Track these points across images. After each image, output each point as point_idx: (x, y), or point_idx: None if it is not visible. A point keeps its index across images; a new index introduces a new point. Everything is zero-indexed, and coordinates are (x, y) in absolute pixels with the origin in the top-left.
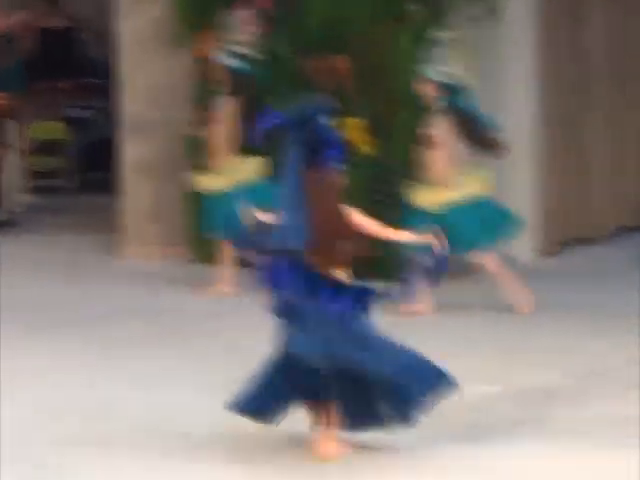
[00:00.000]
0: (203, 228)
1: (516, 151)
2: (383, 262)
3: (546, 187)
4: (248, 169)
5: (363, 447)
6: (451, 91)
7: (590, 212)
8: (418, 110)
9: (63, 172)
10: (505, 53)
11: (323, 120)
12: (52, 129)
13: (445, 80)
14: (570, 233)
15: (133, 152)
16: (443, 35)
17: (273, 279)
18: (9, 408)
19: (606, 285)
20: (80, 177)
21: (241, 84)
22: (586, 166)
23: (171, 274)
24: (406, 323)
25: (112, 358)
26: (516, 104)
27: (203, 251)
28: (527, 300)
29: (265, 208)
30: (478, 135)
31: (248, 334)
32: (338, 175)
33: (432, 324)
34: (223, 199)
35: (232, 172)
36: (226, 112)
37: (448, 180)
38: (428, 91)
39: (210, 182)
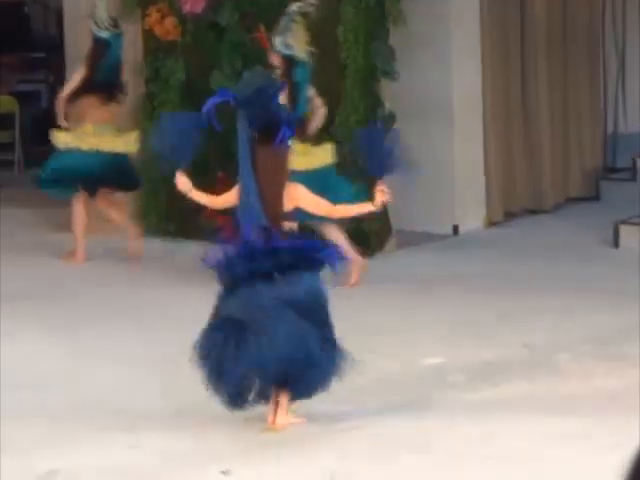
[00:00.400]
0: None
1: (461, 122)
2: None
3: (492, 158)
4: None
5: (310, 419)
6: (292, 64)
7: (536, 183)
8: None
9: (11, 146)
10: (451, 22)
11: (275, 98)
12: (0, 103)
13: (287, 52)
14: (516, 204)
15: None
16: (292, 7)
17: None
18: None
19: (549, 254)
20: (28, 150)
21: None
22: (533, 137)
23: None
24: (346, 295)
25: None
26: (461, 78)
27: (151, 226)
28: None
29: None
30: None
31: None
32: (288, 152)
33: (376, 291)
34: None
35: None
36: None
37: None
38: (276, 62)
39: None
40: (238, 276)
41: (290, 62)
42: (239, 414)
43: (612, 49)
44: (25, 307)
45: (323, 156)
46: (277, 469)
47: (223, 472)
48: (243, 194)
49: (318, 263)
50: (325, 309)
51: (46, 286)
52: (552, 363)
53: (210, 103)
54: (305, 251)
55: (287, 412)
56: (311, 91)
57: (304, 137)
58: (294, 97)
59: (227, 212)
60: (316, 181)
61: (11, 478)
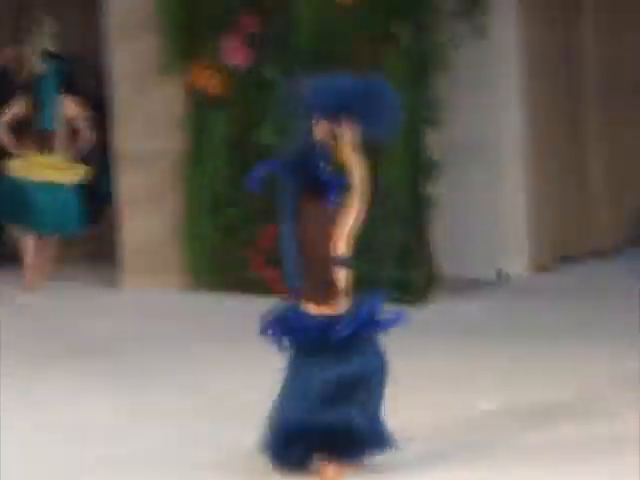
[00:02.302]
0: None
1: (510, 166)
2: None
3: (541, 202)
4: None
5: (362, 469)
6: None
7: (588, 227)
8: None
9: None
10: (493, 69)
11: (321, 163)
12: None
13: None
14: (567, 249)
15: (128, 183)
16: None
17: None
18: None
19: (604, 303)
20: None
21: None
22: (584, 180)
23: (168, 302)
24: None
25: (115, 386)
26: (506, 119)
27: (199, 279)
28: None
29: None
30: None
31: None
32: (337, 212)
33: (429, 341)
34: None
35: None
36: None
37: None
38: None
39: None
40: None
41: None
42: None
43: None
44: (78, 363)
45: (72, 174)
46: None
47: None
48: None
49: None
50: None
51: (99, 342)
52: (604, 409)
53: (257, 172)
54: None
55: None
56: None
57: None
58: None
59: (273, 264)
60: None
61: None
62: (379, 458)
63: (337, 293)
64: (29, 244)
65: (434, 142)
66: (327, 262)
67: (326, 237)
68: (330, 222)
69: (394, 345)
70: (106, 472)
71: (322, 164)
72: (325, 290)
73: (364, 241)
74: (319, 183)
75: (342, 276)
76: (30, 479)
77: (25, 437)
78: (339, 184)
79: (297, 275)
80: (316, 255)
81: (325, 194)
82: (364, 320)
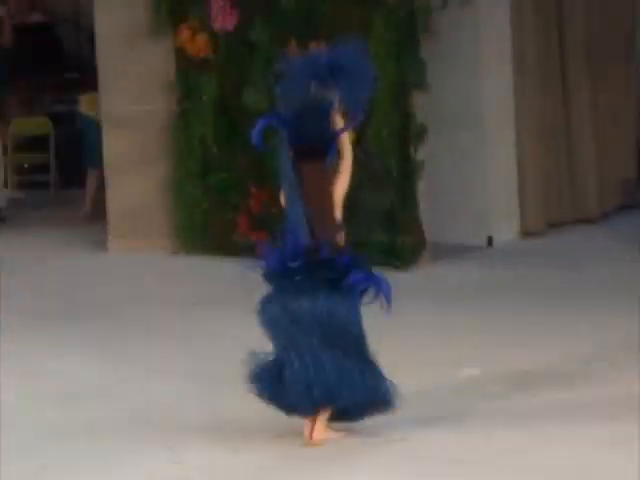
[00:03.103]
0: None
1: (494, 132)
2: None
3: (527, 168)
4: None
5: (349, 432)
6: None
7: (575, 194)
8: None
9: (47, 167)
10: (482, 31)
11: (324, 122)
12: (35, 125)
13: None
14: (554, 215)
15: (116, 146)
16: None
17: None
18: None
19: (591, 266)
20: (64, 171)
21: None
22: (571, 147)
23: (155, 265)
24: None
25: (105, 347)
26: (494, 88)
27: (187, 242)
28: None
29: None
30: None
31: (232, 325)
32: (334, 173)
33: (415, 306)
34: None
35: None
36: None
37: None
38: None
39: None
40: (287, 282)
41: None
42: (282, 428)
43: None
44: (68, 325)
45: None
46: None
47: None
48: (291, 211)
49: (360, 288)
50: (357, 338)
51: (87, 304)
52: (589, 371)
53: (259, 126)
54: (351, 270)
55: (325, 427)
56: None
57: None
58: None
59: (261, 228)
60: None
61: None
62: (362, 422)
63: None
64: (93, 179)
65: (421, 106)
66: (327, 223)
67: (326, 198)
68: (328, 183)
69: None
70: (91, 435)
71: (324, 123)
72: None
73: (351, 205)
74: (319, 142)
75: (340, 238)
76: (14, 443)
77: (9, 401)
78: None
79: (301, 235)
80: (316, 216)
81: (324, 154)
82: (349, 260)
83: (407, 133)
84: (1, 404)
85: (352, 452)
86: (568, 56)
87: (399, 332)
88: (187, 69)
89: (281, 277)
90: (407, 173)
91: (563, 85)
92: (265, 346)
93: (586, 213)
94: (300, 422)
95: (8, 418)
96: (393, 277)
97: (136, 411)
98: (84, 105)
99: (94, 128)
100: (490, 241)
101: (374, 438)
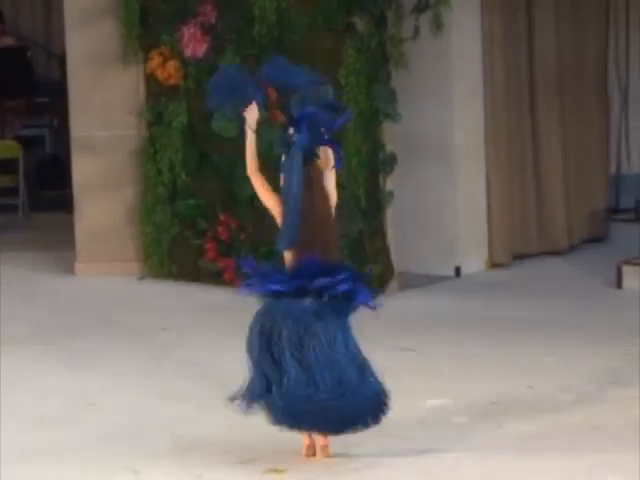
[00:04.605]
0: None
1: (466, 165)
2: None
3: (495, 199)
4: None
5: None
6: None
7: (544, 224)
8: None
9: (16, 190)
10: (453, 62)
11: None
12: (5, 148)
13: None
14: (524, 245)
15: (84, 170)
16: None
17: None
18: None
19: (551, 296)
20: (32, 195)
21: None
22: (542, 177)
23: (122, 290)
24: None
25: (70, 371)
26: (464, 119)
27: (154, 268)
28: None
29: None
30: None
31: (199, 350)
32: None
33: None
34: None
35: None
36: None
37: None
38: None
39: None
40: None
41: None
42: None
43: (615, 90)
44: (34, 349)
45: None
46: None
47: None
48: (289, 215)
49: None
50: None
51: (53, 328)
52: (555, 404)
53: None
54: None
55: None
56: None
57: None
58: None
59: (228, 254)
60: None
61: None
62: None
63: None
64: None
65: (391, 135)
66: (328, 227)
67: (326, 202)
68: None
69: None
70: (57, 458)
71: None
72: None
73: None
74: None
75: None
76: None
77: None
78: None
79: (294, 239)
80: (319, 220)
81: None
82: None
83: (376, 162)
84: None
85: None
86: (538, 88)
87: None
88: (157, 95)
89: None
90: (376, 202)
91: (532, 117)
92: (231, 371)
93: (553, 245)
94: (263, 447)
95: None
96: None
97: (101, 434)
98: None
99: None
100: (458, 271)
101: (340, 466)
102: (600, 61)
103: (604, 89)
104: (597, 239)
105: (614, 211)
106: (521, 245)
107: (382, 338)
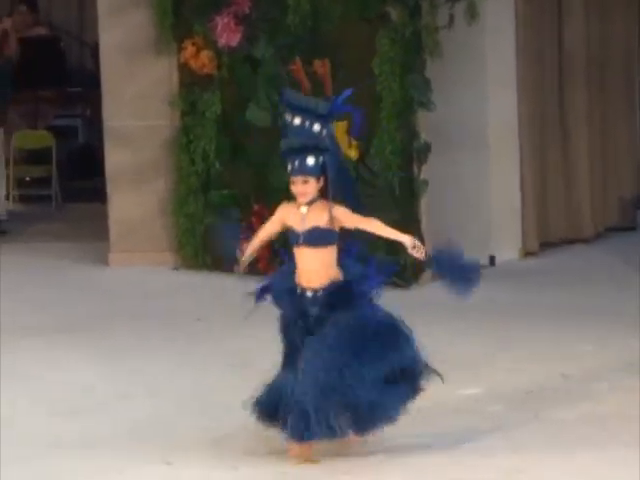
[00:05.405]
0: None
1: (497, 152)
2: None
3: (528, 188)
4: None
5: (348, 451)
6: None
7: (574, 212)
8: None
9: (49, 181)
10: (487, 52)
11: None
12: (38, 138)
13: None
14: (553, 234)
15: (117, 160)
16: None
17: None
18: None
19: (584, 284)
20: (65, 185)
21: None
22: (571, 167)
23: (155, 280)
24: None
25: (103, 363)
26: (497, 108)
27: (187, 258)
28: None
29: None
30: None
31: (232, 340)
32: None
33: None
34: None
35: None
36: None
37: None
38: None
39: None
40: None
41: None
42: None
43: None
44: (67, 339)
45: None
46: None
47: None
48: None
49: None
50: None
51: (86, 318)
52: (589, 392)
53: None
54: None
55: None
56: None
57: None
58: None
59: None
60: None
61: None
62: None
63: None
64: None
65: (425, 124)
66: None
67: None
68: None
69: None
70: (90, 449)
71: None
72: None
73: None
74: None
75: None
76: (12, 454)
77: (7, 414)
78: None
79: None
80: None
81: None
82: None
83: (411, 151)
84: (0, 416)
85: (352, 470)
86: (568, 79)
87: None
88: (190, 85)
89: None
90: (410, 191)
91: (561, 107)
92: (265, 361)
93: (580, 233)
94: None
95: (6, 430)
96: (395, 295)
97: (134, 425)
98: None
99: None
100: (492, 260)
101: (369, 457)
102: (629, 52)
103: (632, 79)
104: (624, 227)
105: None
106: (550, 233)
107: (415, 327)
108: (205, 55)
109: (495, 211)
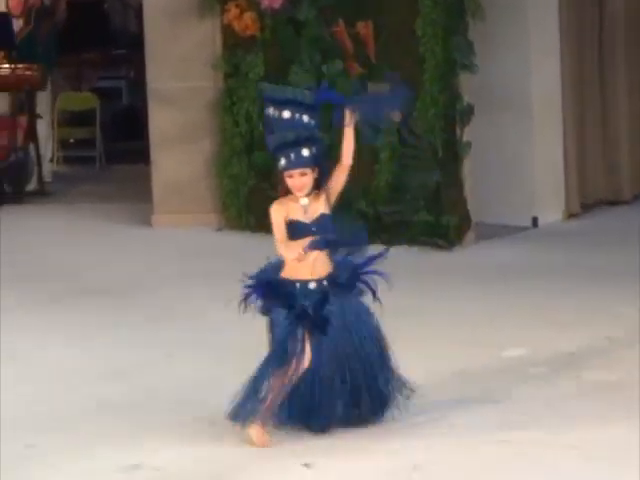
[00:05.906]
0: None
1: (540, 115)
2: None
3: (570, 150)
4: None
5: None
6: None
7: (614, 174)
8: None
9: (93, 142)
10: (529, 16)
11: None
12: (82, 99)
13: None
14: (594, 195)
15: (161, 122)
16: None
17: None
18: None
19: (627, 245)
20: (109, 146)
21: None
22: (611, 130)
23: (199, 241)
24: (425, 287)
25: (148, 322)
26: (540, 70)
27: (231, 219)
28: None
29: None
30: None
31: None
32: None
33: (459, 286)
34: None
35: None
36: None
37: None
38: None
39: None
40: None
41: None
42: None
43: None
44: (106, 302)
45: None
46: (362, 462)
47: (305, 465)
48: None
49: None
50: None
51: (127, 279)
52: (633, 354)
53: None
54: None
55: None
56: None
57: None
58: None
59: None
60: None
61: (95, 470)
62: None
63: None
64: None
65: (468, 87)
66: None
67: None
68: None
69: (424, 288)
70: (134, 408)
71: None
72: None
73: (398, 184)
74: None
75: None
76: (29, 419)
77: (40, 375)
78: None
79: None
80: None
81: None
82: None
83: (454, 113)
84: (33, 379)
85: (401, 431)
86: (608, 42)
87: (442, 311)
88: (233, 47)
89: None
90: (453, 153)
91: (601, 70)
92: None
93: (619, 195)
94: None
95: (40, 392)
96: (437, 256)
97: (179, 385)
98: None
99: None
100: (535, 222)
101: (414, 417)
102: None
103: None
104: None
105: None
106: (591, 195)
107: (460, 288)
108: (248, 17)
109: (537, 173)
